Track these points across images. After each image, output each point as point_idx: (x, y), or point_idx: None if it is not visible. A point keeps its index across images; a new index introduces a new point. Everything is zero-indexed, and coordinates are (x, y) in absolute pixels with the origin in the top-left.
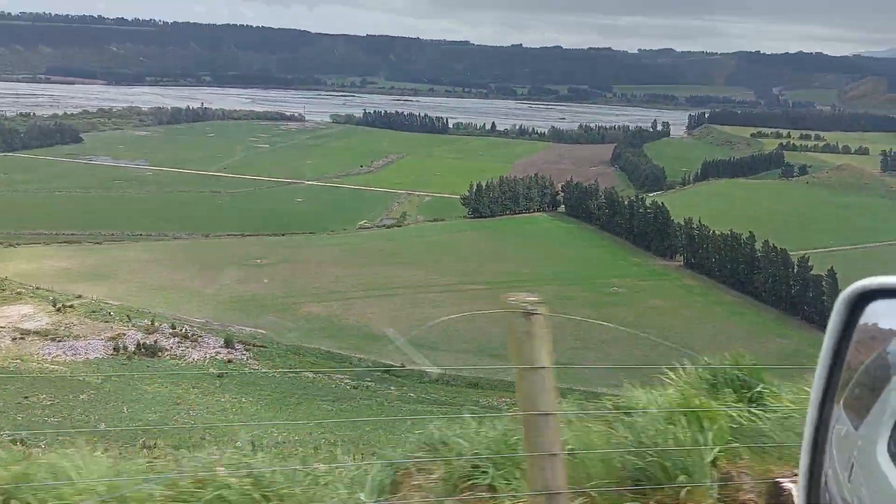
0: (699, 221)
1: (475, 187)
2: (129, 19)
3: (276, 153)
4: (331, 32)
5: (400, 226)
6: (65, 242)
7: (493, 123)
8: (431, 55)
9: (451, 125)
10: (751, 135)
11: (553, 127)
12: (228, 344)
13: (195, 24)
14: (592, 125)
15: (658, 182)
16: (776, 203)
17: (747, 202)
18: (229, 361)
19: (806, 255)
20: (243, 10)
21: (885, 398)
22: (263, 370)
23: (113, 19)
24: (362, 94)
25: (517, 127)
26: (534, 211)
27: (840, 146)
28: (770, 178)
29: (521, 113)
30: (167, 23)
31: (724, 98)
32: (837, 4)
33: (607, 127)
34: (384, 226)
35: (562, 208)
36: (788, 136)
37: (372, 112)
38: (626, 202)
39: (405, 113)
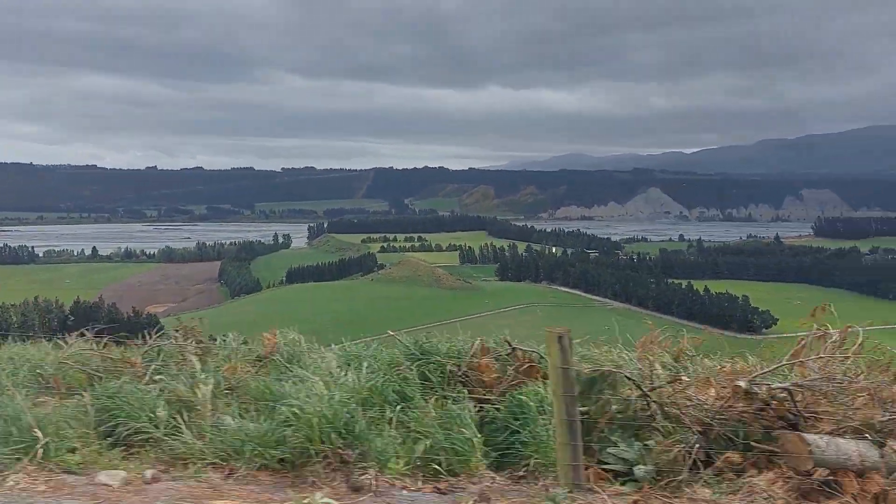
0: None
1: None
2: None
3: None
4: None
5: None
6: None
7: (95, 248)
8: (49, 182)
9: (40, 254)
10: (361, 241)
11: (167, 246)
12: None
13: None
14: (210, 242)
15: (253, 292)
16: (327, 301)
17: (300, 304)
18: None
19: None
20: None
21: None
22: None
23: None
24: None
25: (122, 250)
26: (40, 339)
27: (434, 245)
28: (353, 278)
29: (145, 235)
30: None
31: (360, 209)
32: (458, 129)
33: (225, 243)
34: None
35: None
36: (395, 239)
37: None
38: (126, 317)
39: None
